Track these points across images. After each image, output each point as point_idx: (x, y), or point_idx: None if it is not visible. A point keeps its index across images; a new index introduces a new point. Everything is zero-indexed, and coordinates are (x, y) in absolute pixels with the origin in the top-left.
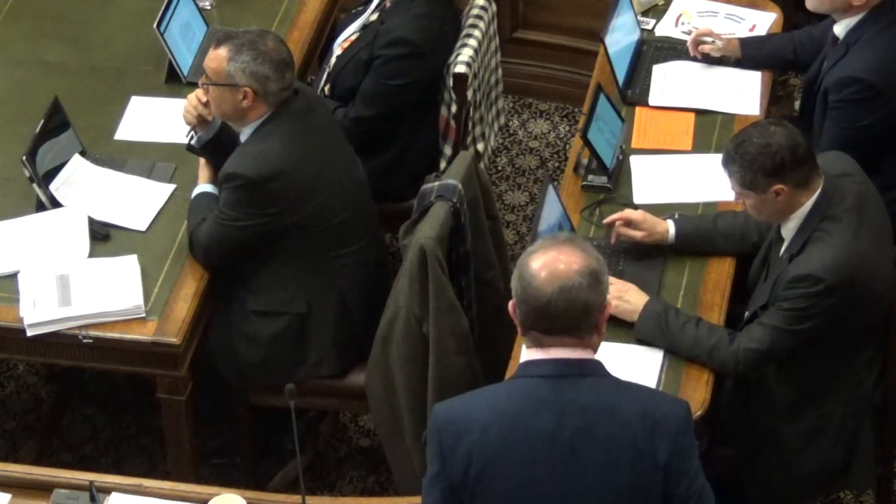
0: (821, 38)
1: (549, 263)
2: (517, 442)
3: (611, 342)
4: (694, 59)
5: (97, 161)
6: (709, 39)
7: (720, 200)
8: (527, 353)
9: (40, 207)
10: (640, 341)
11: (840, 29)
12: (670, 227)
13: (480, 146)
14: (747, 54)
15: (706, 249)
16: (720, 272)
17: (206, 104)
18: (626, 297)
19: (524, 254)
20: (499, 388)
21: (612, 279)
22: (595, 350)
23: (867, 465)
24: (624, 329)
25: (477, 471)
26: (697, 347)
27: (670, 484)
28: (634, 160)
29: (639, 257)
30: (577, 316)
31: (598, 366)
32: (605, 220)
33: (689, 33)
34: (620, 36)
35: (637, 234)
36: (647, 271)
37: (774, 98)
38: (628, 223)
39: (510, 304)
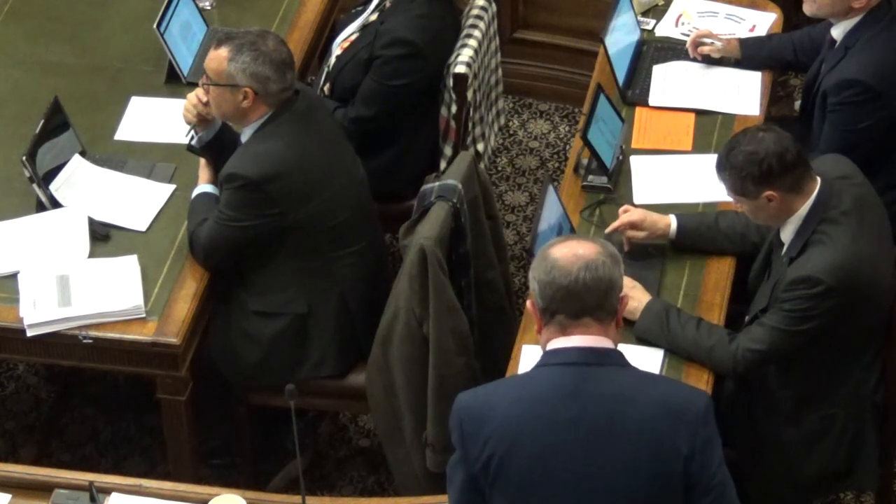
0: (820, 38)
1: (571, 249)
2: (537, 429)
3: None
4: (694, 59)
5: (97, 161)
6: (708, 41)
7: (720, 201)
8: (549, 344)
9: (40, 208)
10: (641, 340)
11: (838, 32)
12: (672, 222)
13: (480, 146)
14: (747, 55)
15: (707, 247)
16: (720, 273)
17: (206, 103)
18: (631, 293)
19: (542, 249)
20: (521, 376)
21: None
22: (615, 343)
23: (870, 466)
24: (625, 329)
25: (498, 457)
26: (697, 347)
27: (691, 475)
28: (634, 160)
29: (639, 257)
30: (602, 292)
31: (619, 356)
32: (607, 230)
33: (689, 34)
34: (620, 36)
35: (639, 234)
36: (647, 271)
37: (774, 98)
38: (631, 225)
39: (529, 302)
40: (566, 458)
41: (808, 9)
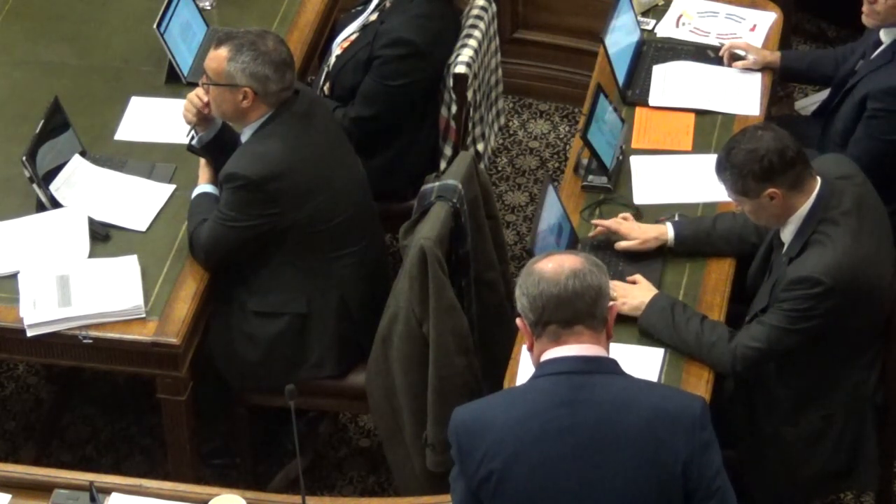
0: (863, 51)
1: (555, 262)
2: (534, 441)
3: (612, 342)
4: (696, 59)
5: (97, 161)
6: (742, 53)
7: (720, 201)
8: (543, 356)
9: (40, 208)
10: (642, 339)
11: (888, 35)
12: (669, 230)
13: (480, 146)
14: (786, 65)
15: (706, 251)
16: (720, 273)
17: (206, 103)
18: (629, 296)
19: (526, 266)
20: (516, 389)
21: (613, 284)
22: (608, 353)
23: (870, 466)
24: (625, 329)
25: (497, 472)
26: (698, 343)
27: (690, 480)
28: (634, 160)
29: (639, 258)
30: (591, 298)
31: (613, 363)
32: (590, 234)
33: (701, 33)
34: (620, 36)
35: (631, 243)
36: (647, 272)
37: (774, 98)
38: (616, 234)
39: (519, 321)
40: (565, 467)
41: (868, 21)
